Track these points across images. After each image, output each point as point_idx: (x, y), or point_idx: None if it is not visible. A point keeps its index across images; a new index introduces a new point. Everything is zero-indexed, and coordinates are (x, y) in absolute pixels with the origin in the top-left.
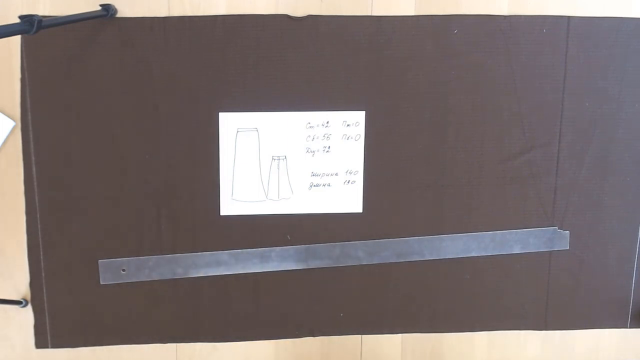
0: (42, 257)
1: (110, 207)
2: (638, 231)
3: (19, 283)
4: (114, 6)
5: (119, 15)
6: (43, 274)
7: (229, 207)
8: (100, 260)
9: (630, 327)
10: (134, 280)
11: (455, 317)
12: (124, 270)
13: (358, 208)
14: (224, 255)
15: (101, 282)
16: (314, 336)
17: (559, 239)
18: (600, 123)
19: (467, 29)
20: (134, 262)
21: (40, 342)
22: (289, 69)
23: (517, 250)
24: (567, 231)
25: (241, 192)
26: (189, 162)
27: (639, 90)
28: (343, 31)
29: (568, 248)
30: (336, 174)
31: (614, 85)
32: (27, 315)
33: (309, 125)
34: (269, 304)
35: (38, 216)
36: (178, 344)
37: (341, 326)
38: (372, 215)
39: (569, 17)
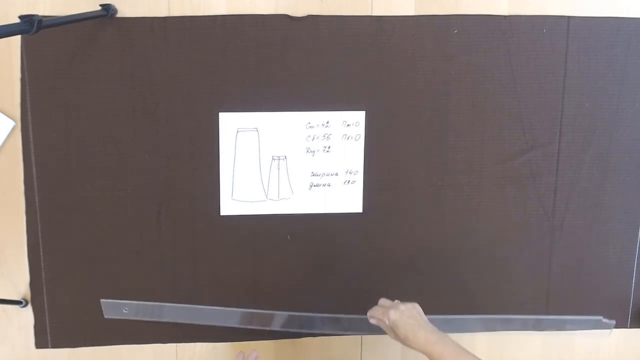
0: (42, 257)
1: (110, 207)
2: (638, 231)
3: (19, 283)
4: (114, 6)
5: (119, 15)
6: (43, 274)
7: (229, 207)
8: (102, 300)
9: (630, 327)
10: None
11: (455, 317)
12: (125, 310)
13: (358, 208)
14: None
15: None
16: (314, 336)
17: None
18: (600, 123)
19: (467, 29)
20: (135, 306)
21: (40, 342)
22: (289, 69)
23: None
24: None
25: (241, 192)
26: (189, 162)
27: (639, 90)
28: (343, 31)
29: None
30: (336, 174)
31: (614, 85)
32: (27, 315)
33: (309, 125)
34: (268, 303)
35: (38, 216)
36: (178, 344)
37: (341, 326)
38: (372, 215)
39: (569, 17)
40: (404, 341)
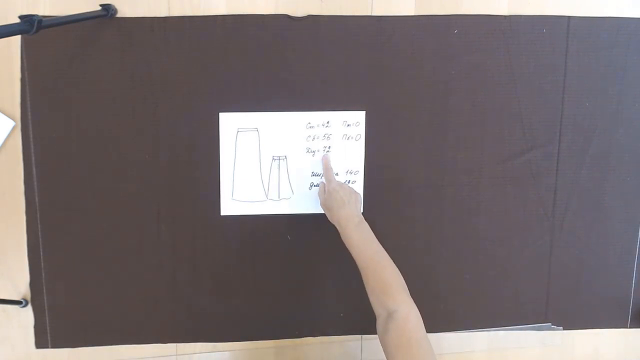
0: (42, 257)
1: (110, 207)
2: (638, 231)
3: (19, 283)
4: (114, 6)
5: (119, 15)
6: (43, 274)
7: (229, 207)
8: None
9: (630, 327)
10: None
11: (455, 317)
12: None
13: None
14: None
15: None
16: (314, 336)
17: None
18: (600, 123)
19: (467, 29)
20: None
21: (40, 342)
22: (289, 69)
23: None
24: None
25: (241, 192)
26: (189, 162)
27: (639, 90)
28: (343, 31)
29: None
30: (336, 174)
31: (613, 85)
32: (27, 315)
33: (309, 125)
34: (269, 304)
35: (38, 216)
36: (178, 344)
37: (341, 326)
38: (372, 215)
39: (569, 17)
40: (329, 211)
